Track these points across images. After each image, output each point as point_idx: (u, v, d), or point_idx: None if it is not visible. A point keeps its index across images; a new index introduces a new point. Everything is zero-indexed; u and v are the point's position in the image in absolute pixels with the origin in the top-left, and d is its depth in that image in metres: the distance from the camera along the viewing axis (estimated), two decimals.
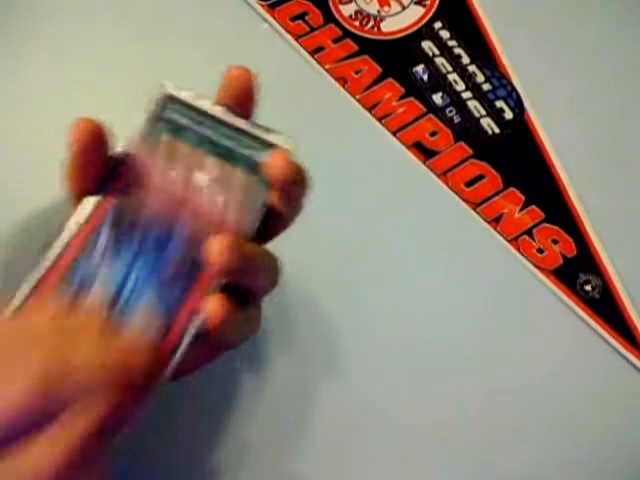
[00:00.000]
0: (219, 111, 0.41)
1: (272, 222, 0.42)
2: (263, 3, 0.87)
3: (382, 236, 0.76)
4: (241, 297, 0.40)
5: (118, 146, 0.41)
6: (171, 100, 0.42)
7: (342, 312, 0.73)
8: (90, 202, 0.40)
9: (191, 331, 0.38)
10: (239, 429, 0.69)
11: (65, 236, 0.39)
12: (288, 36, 0.85)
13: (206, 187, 0.40)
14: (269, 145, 0.41)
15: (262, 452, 0.68)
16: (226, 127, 0.41)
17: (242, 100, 0.42)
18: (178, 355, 0.38)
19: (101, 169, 0.41)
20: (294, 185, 0.40)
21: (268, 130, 0.41)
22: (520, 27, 0.86)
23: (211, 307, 0.38)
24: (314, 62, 0.84)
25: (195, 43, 0.84)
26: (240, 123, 0.41)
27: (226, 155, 0.41)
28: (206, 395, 0.69)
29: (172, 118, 0.41)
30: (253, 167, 0.40)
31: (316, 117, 0.79)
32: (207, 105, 0.42)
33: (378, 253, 0.76)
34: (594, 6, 0.88)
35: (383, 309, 0.73)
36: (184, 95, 0.42)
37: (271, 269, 0.41)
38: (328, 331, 0.72)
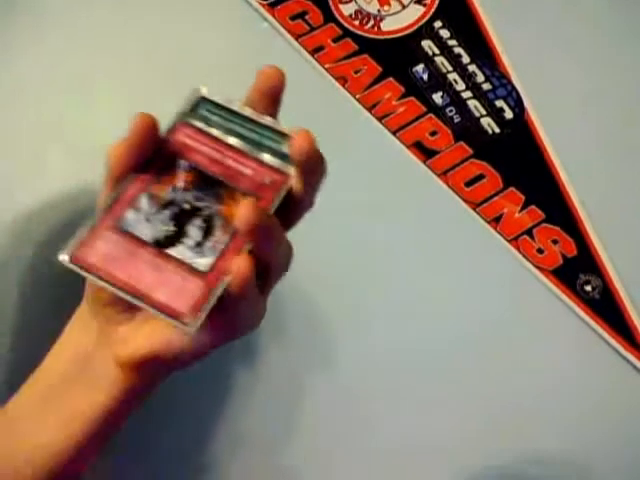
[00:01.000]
0: (247, 110, 0.45)
1: (290, 211, 0.44)
2: (263, 2, 0.86)
3: (382, 236, 0.76)
4: (257, 279, 0.42)
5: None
6: (203, 100, 0.46)
7: (339, 311, 0.73)
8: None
9: (219, 290, 0.40)
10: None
11: (112, 196, 0.42)
12: (288, 35, 0.85)
13: (235, 164, 0.44)
14: (288, 137, 0.44)
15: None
16: (253, 123, 0.45)
17: (271, 97, 0.45)
18: (203, 315, 0.40)
19: (145, 157, 0.43)
20: (315, 167, 0.43)
21: (287, 129, 0.45)
22: (520, 27, 0.86)
23: (240, 263, 0.40)
24: (314, 61, 0.84)
25: (195, 43, 0.84)
26: (267, 121, 0.45)
27: (252, 144, 0.45)
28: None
29: (203, 115, 0.45)
30: (277, 155, 0.44)
31: (316, 116, 0.79)
32: (236, 105, 0.45)
33: (377, 252, 0.76)
34: (594, 6, 0.88)
35: (381, 308, 0.73)
36: (216, 97, 0.46)
37: (287, 247, 0.43)
38: (324, 328, 0.73)
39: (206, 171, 0.44)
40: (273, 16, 0.86)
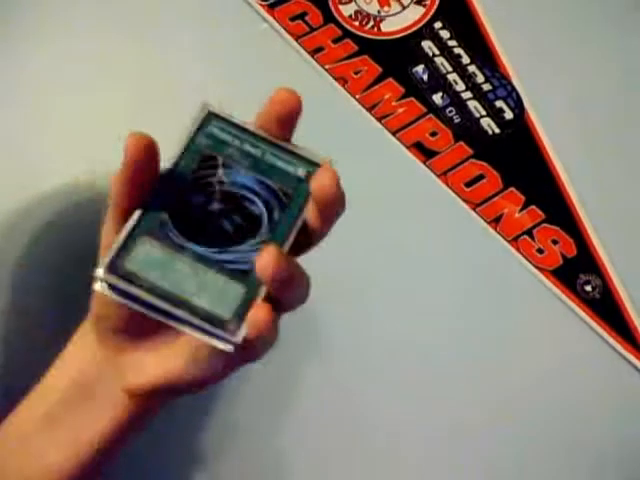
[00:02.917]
0: (259, 130, 0.43)
1: (303, 238, 0.42)
2: (263, 3, 0.87)
3: (381, 236, 0.76)
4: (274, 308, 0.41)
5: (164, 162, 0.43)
6: (214, 117, 0.44)
7: (338, 310, 0.73)
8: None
9: (260, 297, 0.39)
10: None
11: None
12: (288, 36, 0.85)
13: (247, 199, 0.42)
14: (309, 162, 0.43)
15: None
16: (266, 144, 0.43)
17: (285, 122, 0.43)
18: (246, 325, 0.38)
19: (148, 185, 0.41)
20: (334, 204, 0.40)
21: (306, 150, 0.43)
22: (520, 27, 0.86)
23: (259, 315, 0.38)
24: (314, 62, 0.84)
25: (195, 42, 0.84)
26: (280, 141, 0.43)
27: (266, 170, 0.42)
28: None
29: (214, 133, 0.43)
30: (292, 182, 0.42)
31: (316, 117, 0.79)
32: (248, 125, 0.43)
33: (377, 252, 0.76)
34: (594, 7, 0.88)
35: (381, 307, 0.73)
36: (226, 114, 0.44)
37: (304, 285, 0.41)
38: (318, 321, 0.72)
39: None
40: (273, 17, 0.86)
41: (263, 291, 0.39)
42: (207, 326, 0.38)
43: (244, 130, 0.43)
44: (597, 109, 0.82)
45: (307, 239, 0.42)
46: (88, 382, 0.45)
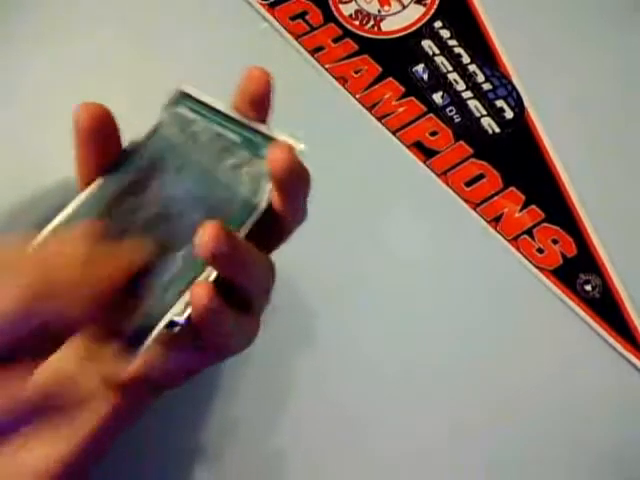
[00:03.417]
0: (230, 110, 0.42)
1: (273, 229, 0.41)
2: (263, 2, 0.87)
3: (381, 235, 0.76)
4: (237, 303, 0.39)
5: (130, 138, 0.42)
6: (184, 96, 0.43)
7: (337, 310, 0.73)
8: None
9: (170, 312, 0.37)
10: (224, 407, 0.69)
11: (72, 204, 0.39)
12: (288, 35, 0.85)
13: (203, 179, 0.40)
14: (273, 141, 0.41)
15: (246, 429, 0.69)
16: (235, 124, 0.42)
17: (258, 102, 0.42)
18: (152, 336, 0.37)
19: (108, 156, 0.40)
20: (294, 181, 0.39)
21: (278, 131, 0.42)
22: (520, 27, 0.86)
23: (198, 293, 0.37)
24: (314, 61, 0.84)
25: (195, 42, 0.84)
26: (250, 122, 0.41)
27: (231, 149, 0.41)
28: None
29: (183, 113, 0.42)
30: (258, 163, 0.40)
31: (316, 117, 0.79)
32: (219, 104, 0.42)
33: (376, 252, 0.76)
34: (594, 6, 0.88)
35: (380, 307, 0.73)
36: (197, 93, 0.43)
37: (264, 268, 0.40)
38: (318, 320, 0.72)
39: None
40: (273, 16, 0.86)
41: (209, 272, 0.38)
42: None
43: (213, 110, 0.42)
44: (597, 109, 0.82)
45: (278, 227, 0.41)
46: None
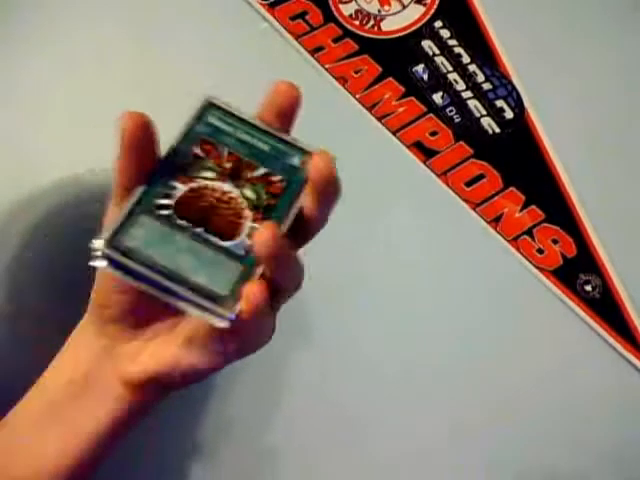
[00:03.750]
0: (256, 120, 0.44)
1: (299, 232, 0.42)
2: (263, 2, 0.86)
3: (381, 235, 0.76)
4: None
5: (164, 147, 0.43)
6: (212, 106, 0.45)
7: (336, 309, 0.73)
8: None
9: (256, 276, 0.39)
10: (220, 405, 0.69)
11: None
12: (288, 35, 0.85)
13: (238, 185, 0.42)
14: (305, 151, 0.43)
15: (242, 427, 0.69)
16: (263, 133, 0.44)
17: (285, 115, 0.43)
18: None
19: (148, 164, 0.41)
20: (330, 189, 0.41)
21: (302, 141, 0.44)
22: (520, 26, 0.86)
23: (252, 290, 0.38)
24: (314, 61, 0.84)
25: (195, 42, 0.84)
26: (276, 132, 0.44)
27: (263, 158, 0.43)
28: None
29: (212, 123, 0.44)
30: (289, 170, 0.43)
31: (316, 117, 0.79)
32: (246, 114, 0.44)
33: (376, 252, 0.76)
34: (594, 6, 0.88)
35: (380, 307, 0.73)
36: (225, 104, 0.45)
37: (299, 269, 0.42)
38: (317, 318, 0.72)
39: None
40: (273, 16, 0.86)
41: (259, 271, 0.40)
42: (204, 302, 0.39)
43: (242, 120, 0.44)
44: (597, 109, 0.82)
45: (304, 230, 0.43)
46: (85, 378, 0.45)
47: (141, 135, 0.40)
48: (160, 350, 0.43)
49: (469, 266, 0.75)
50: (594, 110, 0.82)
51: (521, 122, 0.81)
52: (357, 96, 0.82)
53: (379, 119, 0.81)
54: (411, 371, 0.71)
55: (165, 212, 0.41)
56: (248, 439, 0.69)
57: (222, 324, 0.39)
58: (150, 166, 0.41)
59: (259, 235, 0.37)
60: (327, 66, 0.83)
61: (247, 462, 0.69)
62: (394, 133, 0.80)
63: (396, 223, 0.77)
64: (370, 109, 0.81)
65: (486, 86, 0.83)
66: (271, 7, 0.86)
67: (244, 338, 0.42)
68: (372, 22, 0.86)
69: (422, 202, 0.79)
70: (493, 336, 0.72)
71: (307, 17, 0.86)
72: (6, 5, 0.85)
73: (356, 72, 0.83)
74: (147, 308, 0.42)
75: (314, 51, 0.84)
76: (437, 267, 0.76)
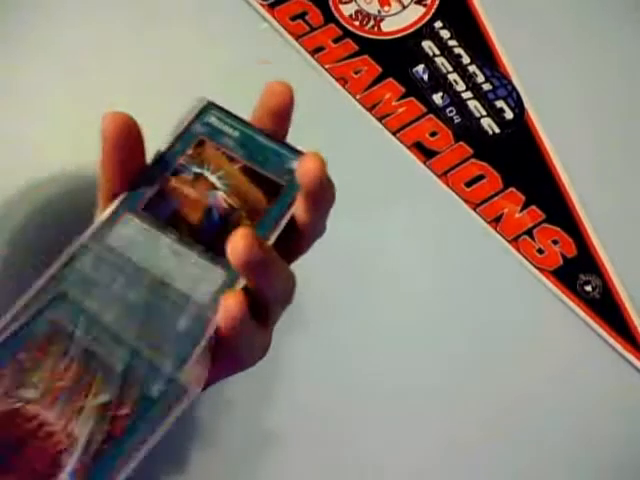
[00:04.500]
0: (255, 123, 0.43)
1: (293, 242, 0.41)
2: (263, 2, 0.87)
3: (381, 235, 0.76)
4: (256, 314, 0.39)
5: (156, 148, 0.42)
6: (210, 106, 0.44)
7: (336, 309, 0.73)
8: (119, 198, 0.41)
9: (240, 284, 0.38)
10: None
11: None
12: (288, 35, 0.85)
13: (234, 188, 0.41)
14: (302, 155, 0.42)
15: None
16: (262, 136, 0.43)
17: (280, 115, 0.42)
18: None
19: (132, 166, 0.40)
20: (322, 193, 0.39)
21: (301, 148, 0.44)
22: (520, 27, 0.86)
23: (229, 302, 0.37)
24: (314, 62, 0.84)
25: (195, 42, 0.84)
26: (275, 136, 0.43)
27: (258, 160, 0.42)
28: None
29: (211, 122, 0.44)
30: (285, 174, 0.42)
31: (316, 117, 0.79)
32: (244, 118, 0.44)
33: (377, 252, 0.76)
34: (594, 6, 0.88)
35: (379, 307, 0.73)
36: (223, 106, 0.44)
37: (287, 279, 0.40)
38: (316, 317, 0.72)
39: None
40: (273, 16, 0.86)
41: (242, 281, 0.38)
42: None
43: (241, 121, 0.43)
44: (597, 109, 0.82)
45: (298, 238, 0.41)
46: None
47: (124, 137, 0.39)
48: None
49: (469, 266, 0.75)
50: (594, 110, 0.82)
51: (521, 122, 0.81)
52: (357, 96, 0.82)
53: (379, 119, 0.81)
54: (409, 371, 0.71)
55: (151, 212, 0.40)
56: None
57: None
58: (135, 166, 0.40)
59: (231, 241, 0.35)
60: (327, 66, 0.83)
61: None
62: (394, 133, 0.80)
63: (396, 223, 0.77)
64: (370, 109, 0.81)
65: (486, 86, 0.83)
66: (271, 7, 0.86)
67: (231, 353, 0.40)
68: (372, 22, 0.86)
69: (422, 202, 0.79)
70: (493, 336, 0.72)
71: (307, 17, 0.86)
72: (5, 5, 0.85)
73: (356, 72, 0.83)
74: None
75: (314, 51, 0.84)
76: (437, 267, 0.76)
